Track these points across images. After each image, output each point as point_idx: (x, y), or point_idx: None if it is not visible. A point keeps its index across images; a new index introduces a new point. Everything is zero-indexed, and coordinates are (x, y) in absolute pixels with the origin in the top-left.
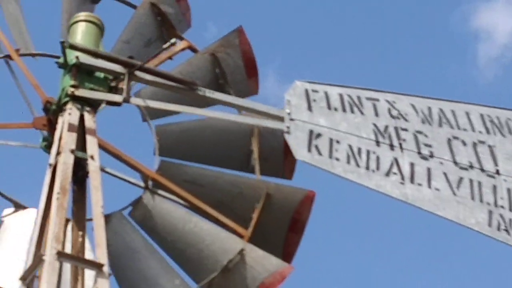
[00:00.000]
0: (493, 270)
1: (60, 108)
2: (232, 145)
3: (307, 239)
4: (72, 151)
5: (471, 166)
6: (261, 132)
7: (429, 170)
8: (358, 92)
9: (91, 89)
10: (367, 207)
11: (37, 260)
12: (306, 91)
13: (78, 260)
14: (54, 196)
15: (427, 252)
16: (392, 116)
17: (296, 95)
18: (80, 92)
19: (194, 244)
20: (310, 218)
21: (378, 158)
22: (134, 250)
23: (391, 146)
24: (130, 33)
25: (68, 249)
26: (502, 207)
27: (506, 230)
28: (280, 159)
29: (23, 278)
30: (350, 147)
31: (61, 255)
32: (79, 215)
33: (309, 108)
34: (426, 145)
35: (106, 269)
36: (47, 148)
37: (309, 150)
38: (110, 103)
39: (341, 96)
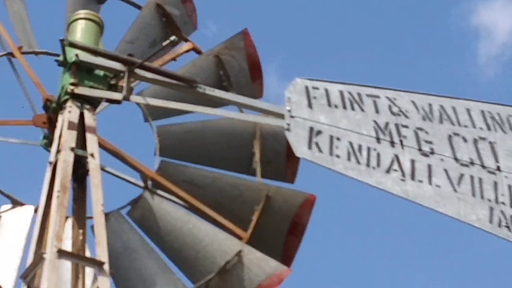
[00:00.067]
0: (494, 267)
1: (60, 106)
2: (234, 147)
3: (308, 242)
4: (72, 149)
5: (472, 163)
6: (263, 134)
7: (429, 166)
8: (358, 89)
9: (91, 87)
10: (369, 211)
11: (38, 258)
12: (307, 88)
13: (78, 258)
14: (55, 194)
15: (428, 249)
16: (393, 113)
17: (296, 92)
18: (80, 90)
19: (192, 244)
20: (311, 222)
21: (378, 155)
22: (132, 249)
23: (392, 143)
24: (135, 34)
25: (66, 247)
26: (503, 203)
27: (507, 227)
28: (282, 162)
29: (23, 277)
30: (351, 144)
31: (61, 253)
32: (79, 213)
33: (310, 105)
34: (427, 141)
35: (106, 267)
36: (48, 146)
37: (310, 147)
38: (110, 101)
39: (341, 93)
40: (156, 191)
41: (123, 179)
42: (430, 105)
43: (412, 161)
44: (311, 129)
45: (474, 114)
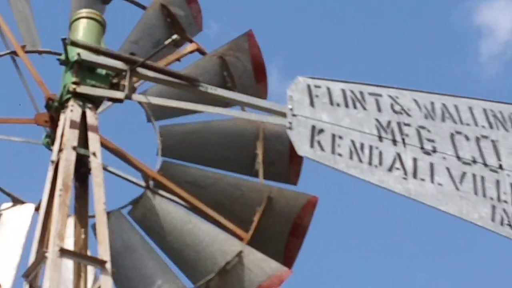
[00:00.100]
0: (496, 265)
1: (62, 105)
2: (237, 149)
3: (309, 244)
4: (74, 148)
5: (474, 161)
6: (266, 136)
7: (432, 165)
8: (360, 88)
9: (93, 86)
10: (371, 212)
11: (40, 257)
12: (308, 86)
13: (80, 257)
14: (57, 193)
15: (430, 248)
16: (395, 111)
17: (298, 90)
18: (82, 89)
19: (193, 245)
20: (312, 223)
21: (380, 154)
22: (131, 248)
23: (394, 142)
24: (139, 34)
25: (68, 245)
26: (505, 201)
27: (509, 225)
28: (285, 163)
29: (25, 275)
30: (353, 142)
31: (63, 252)
32: (81, 212)
33: (312, 103)
34: (429, 140)
35: (109, 265)
36: (50, 144)
37: (312, 145)
38: (112, 99)
39: (343, 91)
40: (157, 191)
41: (125, 178)
42: (432, 103)
43: (414, 160)
44: (313, 127)
45: (476, 112)
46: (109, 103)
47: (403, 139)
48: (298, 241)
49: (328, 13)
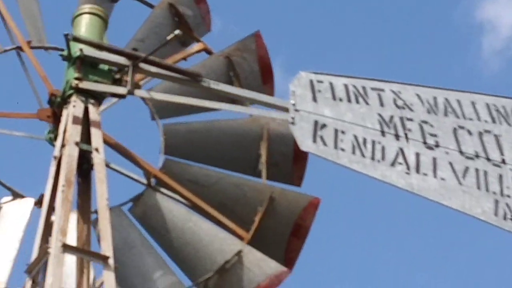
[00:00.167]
0: (499, 260)
1: (65, 100)
2: (241, 148)
3: (310, 244)
4: (77, 144)
5: (477, 156)
6: (270, 136)
7: (434, 159)
8: (363, 83)
9: (95, 81)
10: (373, 213)
11: (43, 252)
12: (311, 81)
13: (83, 252)
14: (59, 188)
15: (433, 243)
16: (398, 106)
17: (301, 85)
18: (84, 85)
19: (192, 243)
20: (314, 225)
21: (383, 148)
22: (131, 245)
23: (397, 136)
24: (145, 32)
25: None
26: (508, 196)
27: None
28: (289, 165)
29: (28, 271)
30: (355, 137)
31: (66, 248)
32: (84, 207)
33: (314, 98)
34: (432, 135)
35: (111, 261)
36: (52, 140)
37: (314, 140)
38: (115, 95)
39: (346, 86)
40: (159, 189)
41: (127, 176)
42: (435, 98)
43: (417, 154)
44: (316, 122)
45: (479, 107)
46: (113, 100)
47: (405, 134)
48: (299, 242)
49: (330, 10)
